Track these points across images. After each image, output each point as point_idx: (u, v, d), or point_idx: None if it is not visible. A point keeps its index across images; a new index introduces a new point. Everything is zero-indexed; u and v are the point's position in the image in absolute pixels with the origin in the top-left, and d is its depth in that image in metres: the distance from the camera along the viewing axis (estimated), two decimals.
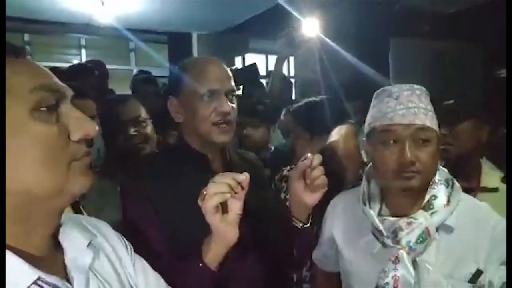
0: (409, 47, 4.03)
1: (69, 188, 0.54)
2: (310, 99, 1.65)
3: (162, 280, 0.76)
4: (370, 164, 1.05)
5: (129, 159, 1.45)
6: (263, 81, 3.60)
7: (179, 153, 1.10)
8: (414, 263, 0.92)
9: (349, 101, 1.84)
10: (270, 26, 3.73)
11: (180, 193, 0.97)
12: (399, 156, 0.90)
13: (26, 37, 4.92)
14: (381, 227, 0.94)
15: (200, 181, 0.83)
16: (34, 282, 0.49)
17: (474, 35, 3.96)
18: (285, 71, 4.42)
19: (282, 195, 1.59)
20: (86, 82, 2.47)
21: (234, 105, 1.06)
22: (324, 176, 0.94)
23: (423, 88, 0.97)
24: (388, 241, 0.93)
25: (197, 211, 0.81)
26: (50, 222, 0.56)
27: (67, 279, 0.56)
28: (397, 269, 0.92)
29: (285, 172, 1.66)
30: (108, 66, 3.19)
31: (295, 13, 3.24)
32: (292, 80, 3.79)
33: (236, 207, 0.82)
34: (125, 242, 0.73)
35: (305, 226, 1.01)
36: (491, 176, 1.49)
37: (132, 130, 1.49)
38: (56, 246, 0.58)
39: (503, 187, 1.44)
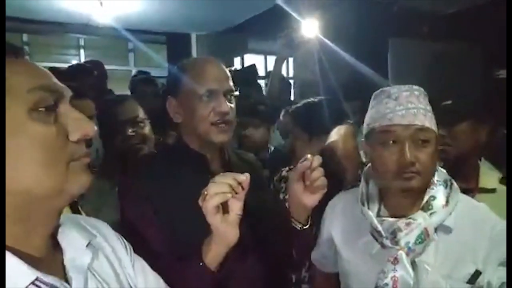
0: (408, 47, 4.04)
1: (67, 188, 0.54)
2: (309, 100, 1.65)
3: (161, 281, 0.76)
4: (369, 164, 1.05)
5: (127, 159, 1.45)
6: (262, 81, 3.60)
7: (178, 154, 1.10)
8: (413, 263, 0.92)
9: (348, 101, 1.85)
10: (269, 26, 3.73)
11: (178, 193, 0.97)
12: (398, 157, 0.90)
13: (25, 37, 4.92)
14: (380, 228, 0.94)
15: (199, 182, 0.83)
16: (32, 282, 0.49)
17: (473, 35, 3.97)
18: (284, 72, 4.43)
19: (281, 196, 1.59)
20: (85, 82, 2.47)
21: (232, 105, 1.06)
22: (323, 177, 0.94)
23: (422, 89, 0.97)
24: (387, 242, 0.94)
25: (196, 211, 0.81)
26: (49, 222, 0.56)
27: (66, 279, 0.56)
28: (396, 270, 0.92)
29: (284, 173, 1.66)
30: (107, 67, 3.18)
31: (294, 14, 3.24)
32: (291, 81, 3.79)
33: (236, 207, 0.82)
34: (124, 242, 0.72)
35: (305, 227, 1.01)
36: (489, 177, 1.49)
37: (130, 130, 1.49)
38: (55, 246, 0.58)
39: (501, 188, 1.45)
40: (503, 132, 2.02)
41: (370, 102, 1.01)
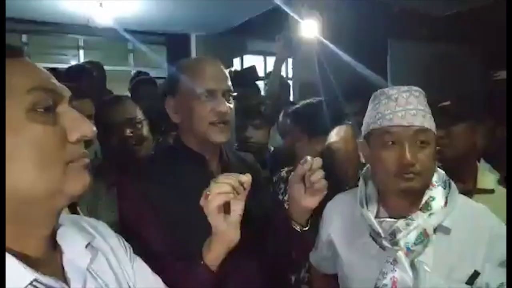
0: (407, 48, 4.04)
1: (66, 189, 0.54)
2: (308, 101, 1.66)
3: (160, 281, 0.76)
4: (368, 165, 1.05)
5: (125, 160, 1.45)
6: (261, 82, 3.60)
7: (176, 154, 1.10)
8: (412, 264, 0.92)
9: (347, 102, 1.85)
10: (269, 27, 3.74)
11: (177, 193, 0.98)
12: (398, 158, 0.90)
13: (24, 37, 4.91)
14: (379, 228, 0.94)
15: (197, 182, 0.83)
16: (30, 283, 0.49)
17: (471, 37, 3.98)
18: (283, 73, 4.43)
19: (280, 197, 1.59)
20: (84, 83, 2.47)
21: (231, 105, 1.06)
22: (324, 179, 0.94)
23: (421, 90, 0.97)
24: (386, 243, 0.94)
25: (195, 211, 0.81)
26: (48, 223, 0.56)
27: (65, 280, 0.56)
28: (395, 271, 0.92)
29: (282, 173, 1.66)
30: (106, 67, 3.18)
31: (293, 15, 3.25)
32: (290, 82, 3.80)
33: (238, 207, 0.82)
34: (123, 243, 0.72)
35: (304, 229, 1.01)
36: (488, 177, 1.49)
37: (127, 131, 1.48)
38: (54, 247, 0.58)
39: (499, 189, 1.45)
40: (502, 133, 2.03)
41: (369, 103, 1.01)
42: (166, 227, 0.95)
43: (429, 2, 3.76)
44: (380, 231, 0.94)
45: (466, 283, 0.91)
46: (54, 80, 0.56)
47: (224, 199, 0.79)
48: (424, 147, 0.91)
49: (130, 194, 1.00)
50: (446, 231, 0.94)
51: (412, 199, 0.96)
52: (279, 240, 1.04)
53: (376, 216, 0.98)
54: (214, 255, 0.84)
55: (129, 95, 2.75)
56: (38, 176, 0.51)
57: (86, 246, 0.61)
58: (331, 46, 3.15)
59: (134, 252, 0.74)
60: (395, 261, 0.92)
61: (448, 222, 0.94)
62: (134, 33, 4.63)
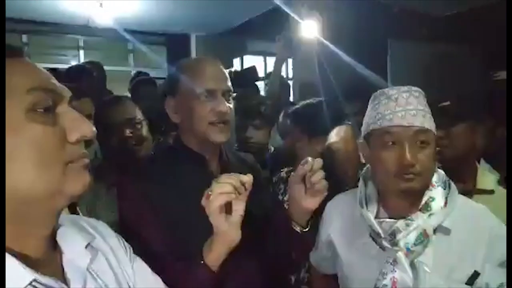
0: (407, 49, 4.04)
1: (66, 190, 0.54)
2: (308, 101, 1.66)
3: (160, 281, 0.76)
4: (368, 166, 1.05)
5: (125, 160, 1.45)
6: (261, 82, 3.60)
7: (176, 154, 1.10)
8: (412, 265, 0.92)
9: (347, 102, 1.85)
10: (269, 28, 3.74)
11: (177, 193, 0.98)
12: (398, 158, 0.90)
13: (24, 38, 4.91)
14: (379, 229, 0.94)
15: (197, 182, 0.83)
16: (30, 284, 0.49)
17: (471, 37, 3.98)
18: (283, 73, 4.43)
19: (280, 197, 1.59)
20: (84, 83, 2.47)
21: (231, 105, 1.06)
22: (324, 180, 0.94)
23: (421, 90, 0.97)
24: (386, 243, 0.94)
25: (195, 211, 0.81)
26: (48, 223, 0.56)
27: (65, 280, 0.56)
28: (395, 271, 0.92)
29: (282, 174, 1.66)
30: (106, 68, 3.18)
31: (293, 15, 3.25)
32: (290, 82, 3.80)
33: (239, 208, 0.82)
34: (123, 243, 0.72)
35: (304, 230, 1.01)
36: (488, 178, 1.49)
37: (127, 131, 1.48)
38: (54, 247, 0.58)
39: (499, 189, 1.45)
40: (502, 133, 2.03)
41: (369, 103, 1.01)
42: (166, 227, 0.95)
43: (429, 2, 3.77)
44: (380, 231, 0.94)
45: (466, 283, 0.91)
46: (54, 80, 0.56)
47: (226, 199, 0.79)
48: (424, 148, 0.91)
49: (130, 194, 1.00)
50: (446, 231, 0.94)
51: (412, 200, 0.96)
52: (279, 241, 1.04)
53: (376, 217, 0.98)
54: (215, 255, 0.84)
55: (129, 95, 2.75)
56: (37, 176, 0.51)
57: (86, 246, 0.61)
58: (331, 46, 3.15)
59: (134, 252, 0.74)
60: (395, 262, 0.92)
61: (448, 222, 0.94)
62: (134, 33, 4.63)
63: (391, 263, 0.92)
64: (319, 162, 0.93)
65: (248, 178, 0.81)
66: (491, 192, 1.44)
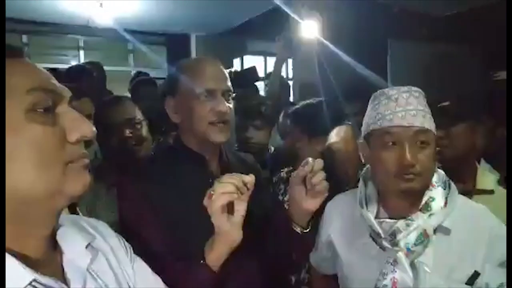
0: (407, 49, 4.05)
1: (66, 190, 0.54)
2: (308, 101, 1.66)
3: (161, 281, 0.76)
4: (368, 166, 1.05)
5: (124, 160, 1.45)
6: (261, 83, 3.60)
7: (177, 154, 1.10)
8: (412, 265, 0.92)
9: (347, 102, 1.85)
10: (269, 28, 3.74)
11: (177, 193, 0.97)
12: (398, 158, 0.90)
13: (24, 38, 4.91)
14: (379, 229, 0.94)
15: (197, 182, 0.83)
16: (30, 284, 0.49)
17: (471, 37, 3.98)
18: (283, 73, 4.43)
19: (280, 198, 1.59)
20: (85, 83, 2.47)
21: (230, 105, 1.06)
22: (325, 181, 0.94)
23: (421, 90, 0.97)
24: (386, 243, 0.94)
25: (195, 211, 0.81)
26: (48, 223, 0.56)
27: (65, 280, 0.56)
28: (396, 271, 0.92)
29: (282, 174, 1.66)
30: (106, 68, 3.18)
31: (293, 15, 3.25)
32: (290, 82, 3.80)
33: (241, 208, 0.82)
34: (124, 243, 0.72)
35: (305, 231, 1.01)
36: (488, 178, 1.49)
37: (127, 131, 1.48)
38: (54, 247, 0.58)
39: (499, 189, 1.45)
40: (502, 133, 2.03)
41: (369, 103, 1.01)
42: (166, 227, 0.95)
43: (429, 2, 3.77)
44: (380, 231, 0.94)
45: (466, 283, 0.91)
46: (54, 81, 0.56)
47: (228, 199, 0.79)
48: (424, 148, 0.91)
49: (130, 194, 1.00)
50: (446, 231, 0.94)
51: (412, 200, 0.96)
52: (279, 241, 1.04)
53: (376, 217, 0.98)
54: (216, 255, 0.84)
55: (129, 95, 2.75)
56: (37, 176, 0.51)
57: (86, 247, 0.61)
58: (331, 46, 3.15)
59: (134, 252, 0.73)
60: (395, 262, 0.92)
61: (448, 222, 0.94)
62: (134, 33, 4.63)
63: (391, 263, 0.92)
64: (319, 163, 0.93)
65: (250, 178, 0.81)
66: (491, 192, 1.44)
